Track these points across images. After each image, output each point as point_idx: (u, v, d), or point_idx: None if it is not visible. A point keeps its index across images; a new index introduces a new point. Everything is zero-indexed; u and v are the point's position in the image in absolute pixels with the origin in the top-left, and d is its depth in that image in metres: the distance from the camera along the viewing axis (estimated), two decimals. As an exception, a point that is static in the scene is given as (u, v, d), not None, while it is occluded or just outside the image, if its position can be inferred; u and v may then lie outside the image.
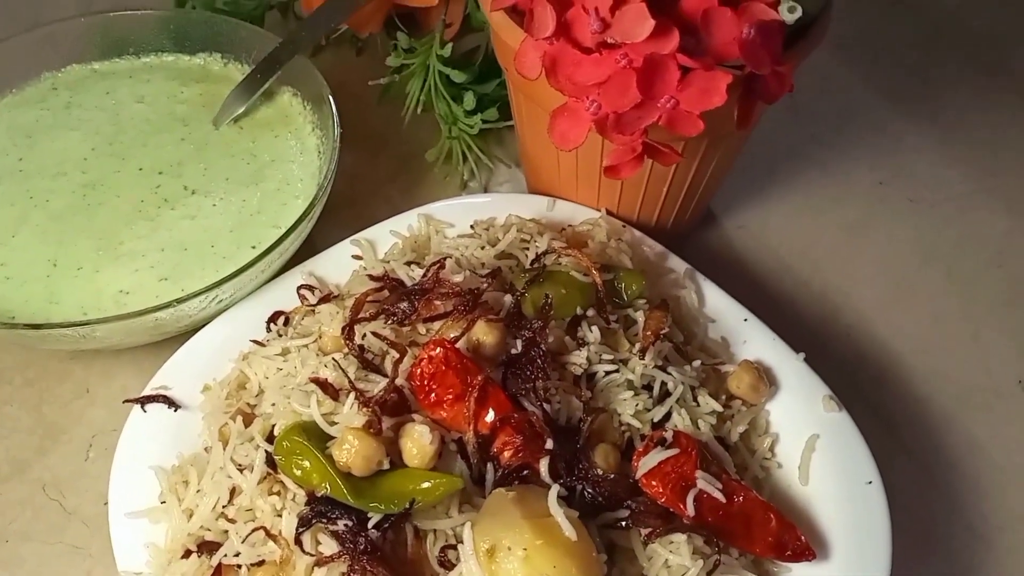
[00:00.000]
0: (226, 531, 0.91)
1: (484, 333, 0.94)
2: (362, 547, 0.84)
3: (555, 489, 0.88)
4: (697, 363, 1.04)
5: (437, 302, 0.98)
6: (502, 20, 1.04)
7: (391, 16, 1.42)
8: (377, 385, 0.93)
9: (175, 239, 1.15)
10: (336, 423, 0.91)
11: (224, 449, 0.95)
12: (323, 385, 0.94)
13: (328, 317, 1.02)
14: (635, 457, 0.95)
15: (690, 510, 0.91)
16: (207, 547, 0.92)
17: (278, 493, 0.91)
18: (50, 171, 1.21)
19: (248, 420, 0.98)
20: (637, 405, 0.98)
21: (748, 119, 0.97)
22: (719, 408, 1.01)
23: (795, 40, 1.00)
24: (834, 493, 0.97)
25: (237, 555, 0.89)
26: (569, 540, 0.84)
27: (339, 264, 1.13)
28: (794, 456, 1.01)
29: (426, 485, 0.87)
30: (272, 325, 1.08)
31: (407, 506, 0.85)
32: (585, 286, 1.03)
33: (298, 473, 0.88)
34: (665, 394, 1.00)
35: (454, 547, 0.87)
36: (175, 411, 1.02)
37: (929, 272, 1.32)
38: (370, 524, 0.86)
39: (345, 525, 0.86)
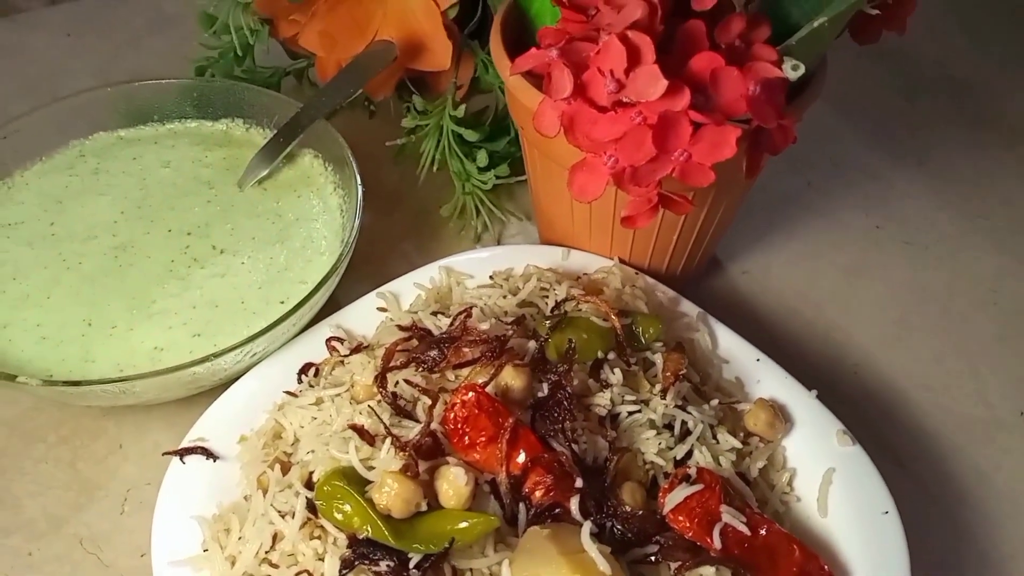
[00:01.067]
0: (269, 576, 0.95)
1: (512, 378, 0.99)
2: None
3: (587, 526, 0.92)
4: (715, 402, 1.08)
5: (465, 349, 1.03)
6: (519, 83, 1.10)
7: (403, 81, 1.49)
8: (412, 430, 0.97)
9: (206, 297, 1.19)
10: (373, 468, 0.95)
11: (264, 497, 0.98)
12: (360, 431, 0.98)
13: (359, 367, 1.06)
14: (661, 494, 0.99)
15: (716, 543, 0.95)
16: (249, 595, 0.95)
17: (319, 537, 0.94)
18: (81, 235, 1.26)
19: (285, 468, 1.01)
20: (660, 444, 1.02)
21: (756, 169, 1.03)
22: (738, 445, 1.05)
23: (795, 94, 1.06)
24: (852, 524, 1.01)
25: (282, 598, 0.92)
26: (604, 575, 0.87)
27: (365, 316, 1.18)
28: (812, 489, 1.05)
29: (463, 525, 0.90)
30: (303, 376, 1.12)
31: (446, 546, 0.88)
32: (605, 331, 1.08)
33: (339, 517, 0.92)
34: (686, 433, 1.04)
35: (488, 586, 0.90)
36: (213, 462, 1.05)
37: (926, 311, 1.37)
38: (411, 564, 0.89)
39: (387, 566, 0.89)
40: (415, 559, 0.89)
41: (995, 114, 1.67)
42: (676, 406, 1.05)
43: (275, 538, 0.95)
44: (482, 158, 1.40)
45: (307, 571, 0.92)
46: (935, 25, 1.85)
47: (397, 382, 1.02)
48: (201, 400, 1.14)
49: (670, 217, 1.17)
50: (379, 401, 1.01)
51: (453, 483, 0.93)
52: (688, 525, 0.96)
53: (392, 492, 0.90)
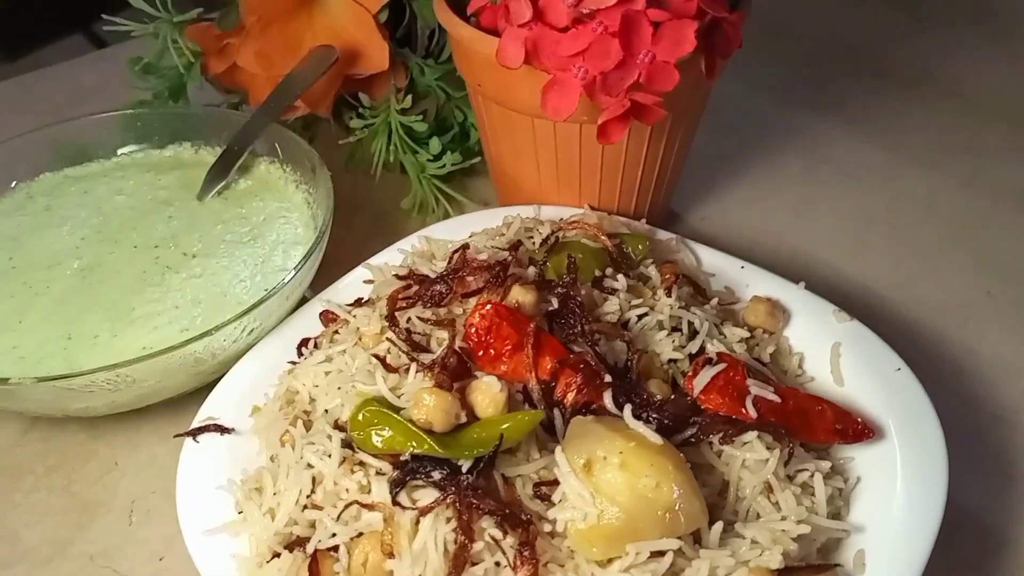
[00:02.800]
0: (314, 521, 0.90)
1: (521, 295, 0.99)
2: (465, 484, 0.85)
3: (628, 407, 0.92)
4: (714, 301, 1.11)
5: (469, 279, 1.03)
6: (472, 34, 1.15)
7: (341, 95, 1.52)
8: (434, 354, 0.96)
9: (187, 297, 1.16)
10: (403, 395, 0.93)
11: (293, 449, 0.95)
12: (382, 362, 0.96)
13: (364, 319, 1.05)
14: (686, 381, 1.00)
15: (752, 412, 0.96)
16: (297, 543, 0.90)
17: (359, 470, 0.91)
18: (44, 263, 1.22)
19: (308, 425, 0.98)
20: (673, 342, 1.04)
21: (713, 69, 1.09)
22: (746, 334, 1.08)
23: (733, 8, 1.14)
24: (870, 385, 1.04)
25: (333, 536, 0.88)
26: (658, 442, 0.87)
27: (354, 290, 1.16)
28: (823, 367, 1.08)
29: (508, 426, 0.89)
30: (303, 349, 1.10)
31: (496, 444, 0.87)
32: (597, 251, 1.10)
33: (378, 443, 0.89)
34: (693, 332, 1.06)
35: (544, 485, 0.88)
36: (226, 436, 1.01)
37: (876, 229, 1.45)
38: (464, 469, 0.87)
39: (440, 474, 0.87)
40: (466, 464, 0.87)
41: (890, 65, 1.80)
42: (680, 307, 1.07)
43: (313, 482, 0.92)
44: (434, 145, 1.43)
45: (356, 502, 0.88)
46: (820, 4, 2.02)
47: (409, 318, 1.01)
48: (196, 404, 1.10)
49: (634, 152, 1.22)
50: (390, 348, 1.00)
51: (487, 392, 0.92)
52: (721, 401, 0.97)
53: (431, 405, 0.89)
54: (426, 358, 0.96)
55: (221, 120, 1.38)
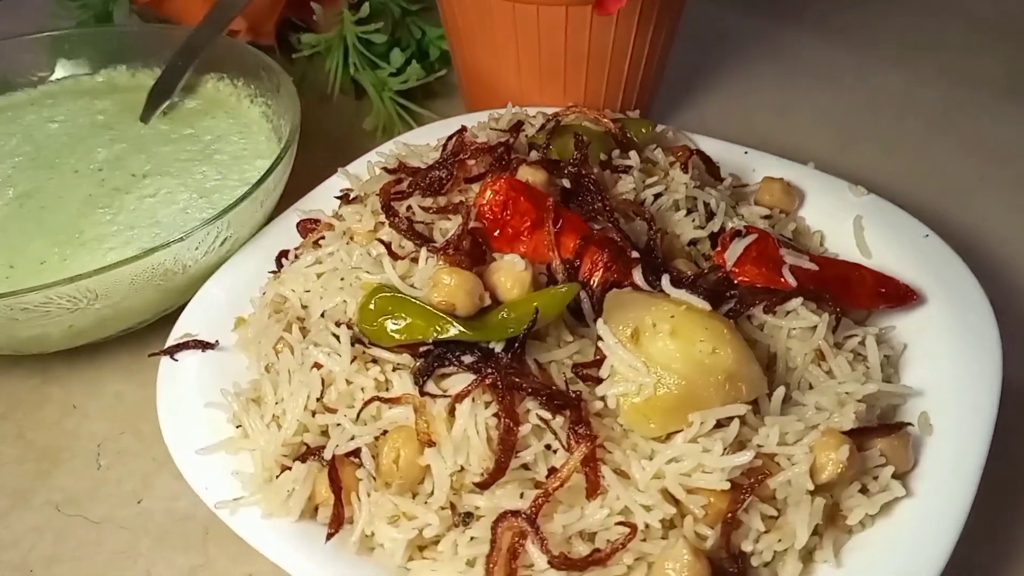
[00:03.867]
0: (327, 427, 0.80)
1: (531, 175, 0.90)
2: (505, 363, 0.75)
3: (666, 277, 0.83)
4: (727, 180, 1.04)
5: (471, 163, 0.93)
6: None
7: (285, 18, 1.41)
8: (445, 235, 0.86)
9: (142, 217, 1.04)
10: (415, 282, 0.83)
11: (292, 355, 0.83)
12: (388, 249, 0.86)
13: (354, 216, 0.94)
14: (715, 256, 0.92)
15: (791, 280, 0.89)
16: (309, 453, 0.79)
17: (373, 366, 0.80)
18: (-29, 195, 1.08)
19: (303, 332, 0.87)
20: (694, 222, 0.96)
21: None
22: (765, 212, 1.01)
23: None
24: (899, 253, 0.98)
25: (352, 439, 0.77)
26: (707, 307, 0.79)
27: (329, 201, 1.05)
28: (846, 242, 1.01)
29: (543, 301, 0.79)
30: (283, 261, 0.98)
31: (531, 320, 0.77)
32: (601, 133, 1.02)
33: (395, 333, 0.79)
34: (710, 214, 0.99)
35: (583, 367, 0.79)
36: (204, 352, 0.90)
37: (860, 123, 1.41)
38: (497, 351, 0.77)
39: (472, 358, 0.77)
40: (499, 347, 0.77)
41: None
42: (695, 186, 0.99)
43: (323, 385, 0.81)
44: (396, 58, 1.32)
45: (376, 398, 0.78)
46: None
47: (410, 207, 0.91)
48: (161, 337, 0.98)
49: (622, 37, 1.14)
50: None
51: (510, 271, 0.82)
52: (757, 272, 0.90)
53: (452, 285, 0.79)
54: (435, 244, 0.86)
55: (159, 38, 1.26)
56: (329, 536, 0.75)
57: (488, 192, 0.86)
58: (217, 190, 1.08)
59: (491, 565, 0.71)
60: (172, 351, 0.89)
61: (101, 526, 0.89)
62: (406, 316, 0.79)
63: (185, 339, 0.90)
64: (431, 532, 0.73)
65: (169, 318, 1.00)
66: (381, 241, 0.86)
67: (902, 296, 0.92)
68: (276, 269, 0.98)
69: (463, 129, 0.97)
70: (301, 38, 1.34)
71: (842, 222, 1.03)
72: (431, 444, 0.73)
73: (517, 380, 0.74)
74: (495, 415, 0.74)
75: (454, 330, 0.77)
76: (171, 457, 0.89)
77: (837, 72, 1.51)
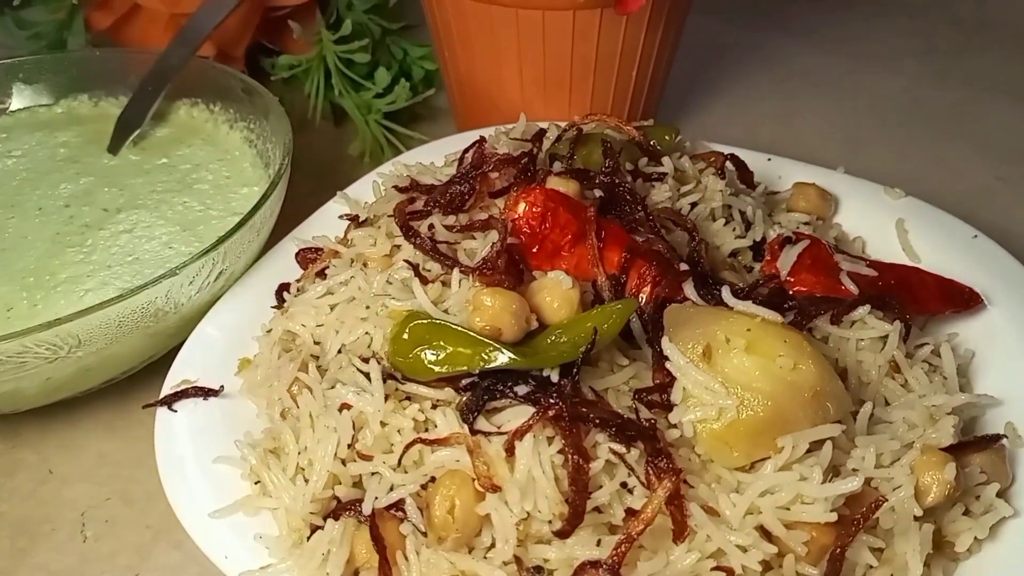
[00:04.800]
0: (360, 477, 0.70)
1: (561, 185, 0.82)
2: (568, 390, 0.66)
3: (726, 288, 0.76)
4: (761, 187, 0.97)
5: (493, 175, 0.85)
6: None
7: (257, 42, 1.32)
8: (477, 254, 0.77)
9: (119, 253, 0.94)
10: (448, 308, 0.74)
11: (313, 395, 0.73)
12: (416, 271, 0.76)
13: (366, 240, 0.85)
14: (765, 266, 0.85)
15: (851, 287, 0.82)
16: (342, 509, 0.69)
17: (409, 405, 0.70)
18: (-77, 240, 0.96)
19: (322, 371, 0.77)
20: (734, 231, 0.89)
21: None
22: (805, 218, 0.94)
23: None
24: (951, 256, 0.91)
25: (392, 489, 0.67)
26: (779, 319, 0.71)
27: (328, 227, 0.95)
28: (891, 246, 0.95)
29: (597, 322, 0.71)
30: (285, 294, 0.88)
31: (589, 342, 0.68)
32: (625, 142, 0.94)
33: (435, 364, 0.69)
34: (747, 223, 0.91)
35: (645, 392, 0.71)
36: (207, 399, 0.79)
37: (866, 127, 1.37)
38: (554, 379, 0.68)
39: (527, 388, 0.68)
40: (553, 375, 0.68)
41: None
42: (731, 194, 0.92)
43: (353, 429, 0.71)
44: (381, 77, 1.24)
45: (420, 439, 0.68)
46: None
47: (432, 225, 0.81)
48: (145, 389, 0.88)
49: (630, 43, 1.07)
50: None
51: (555, 290, 0.74)
52: (814, 280, 0.82)
53: (496, 307, 0.70)
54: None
55: (122, 64, 1.15)
56: (378, 604, 0.64)
57: (522, 204, 0.78)
58: (201, 222, 0.98)
59: (572, 626, 0.62)
60: (170, 401, 0.78)
61: (93, 608, 0.78)
62: (446, 345, 0.69)
63: (184, 386, 0.79)
64: (497, 591, 0.64)
65: (154, 368, 0.89)
66: (408, 263, 0.77)
67: (967, 300, 0.85)
68: (278, 304, 0.88)
69: (482, 140, 0.88)
70: (278, 59, 1.25)
71: (883, 226, 0.96)
72: (494, 489, 0.64)
73: (584, 410, 0.65)
74: (560, 452, 0.65)
75: (503, 357, 0.68)
76: (168, 523, 0.80)
77: (835, 79, 1.47)
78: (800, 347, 0.69)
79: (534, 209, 0.77)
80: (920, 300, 0.84)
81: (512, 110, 1.11)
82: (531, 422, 0.65)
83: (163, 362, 0.85)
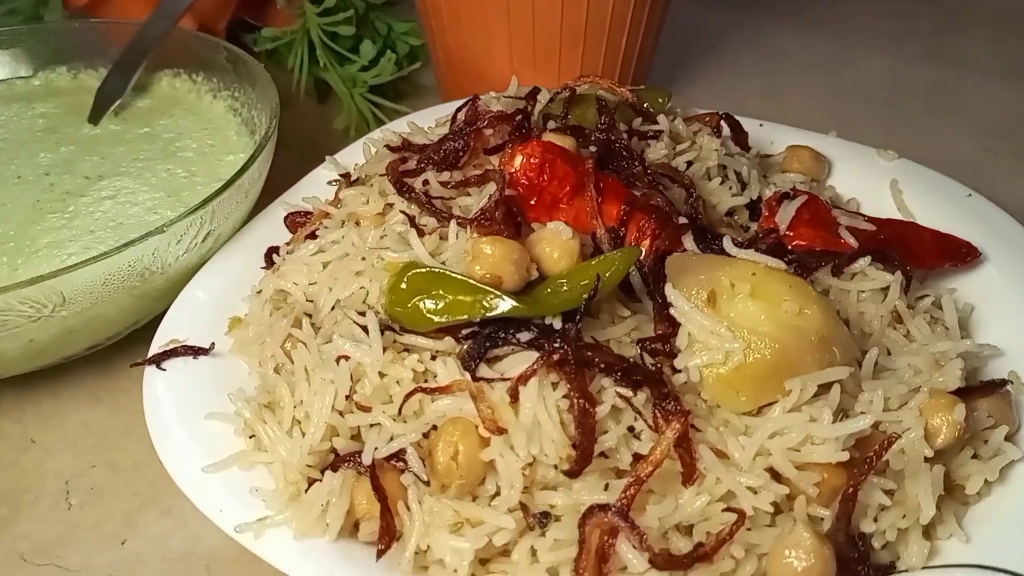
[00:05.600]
0: (359, 429, 0.68)
1: (557, 141, 0.80)
2: (573, 335, 0.65)
3: (728, 238, 0.75)
4: (753, 152, 0.96)
5: (488, 131, 0.83)
6: None
7: (238, 17, 1.30)
8: (475, 204, 0.76)
9: (103, 219, 0.91)
10: (446, 259, 0.73)
11: (308, 350, 0.71)
12: (412, 222, 0.75)
13: (359, 198, 0.83)
14: (763, 222, 0.84)
15: (850, 240, 0.81)
16: (341, 461, 0.67)
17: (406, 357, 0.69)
18: (-102, 209, 0.93)
19: (317, 328, 0.75)
20: (730, 190, 0.88)
21: None
22: (801, 178, 0.93)
23: None
24: (946, 214, 0.91)
25: (390, 440, 0.65)
26: (783, 266, 0.71)
27: (317, 193, 0.93)
28: (885, 207, 0.94)
29: (600, 270, 0.69)
30: (274, 256, 0.86)
31: (591, 290, 0.67)
32: (618, 104, 0.93)
33: (434, 314, 0.68)
34: (742, 184, 0.90)
35: (649, 341, 0.69)
36: (196, 358, 0.77)
37: (853, 103, 1.38)
38: (556, 326, 0.67)
39: (530, 335, 0.66)
40: (556, 323, 0.67)
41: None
42: (726, 154, 0.91)
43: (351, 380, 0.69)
44: (367, 50, 1.22)
45: (420, 389, 0.66)
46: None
47: (426, 181, 0.80)
48: (128, 358, 0.86)
49: (618, 18, 1.06)
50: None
51: (555, 241, 0.72)
52: (813, 234, 0.82)
53: (496, 256, 0.68)
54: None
55: (102, 36, 1.13)
56: (380, 553, 0.62)
57: (519, 157, 0.77)
58: (186, 188, 0.95)
59: (581, 571, 0.60)
60: (158, 360, 0.76)
61: (79, 575, 0.75)
62: (446, 294, 0.68)
63: (173, 345, 0.77)
64: (503, 539, 0.62)
65: (138, 336, 0.87)
66: (405, 213, 0.75)
67: (965, 253, 0.85)
68: (267, 267, 0.86)
69: (475, 98, 0.87)
70: (261, 32, 1.23)
71: (876, 188, 0.96)
72: (500, 432, 0.62)
73: (589, 354, 0.64)
74: (565, 397, 0.63)
75: (505, 304, 0.67)
76: (158, 490, 0.78)
77: (820, 59, 1.47)
78: (805, 292, 0.68)
79: (532, 160, 0.76)
80: (918, 255, 0.84)
81: (501, 82, 1.10)
82: (535, 366, 0.63)
83: (147, 330, 0.83)
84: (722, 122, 0.95)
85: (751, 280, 0.68)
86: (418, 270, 0.69)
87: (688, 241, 0.77)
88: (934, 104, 1.34)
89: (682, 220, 0.78)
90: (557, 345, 0.64)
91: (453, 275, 0.68)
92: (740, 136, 0.96)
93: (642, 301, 0.74)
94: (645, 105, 0.95)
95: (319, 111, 1.29)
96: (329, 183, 0.95)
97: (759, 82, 1.41)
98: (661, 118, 0.89)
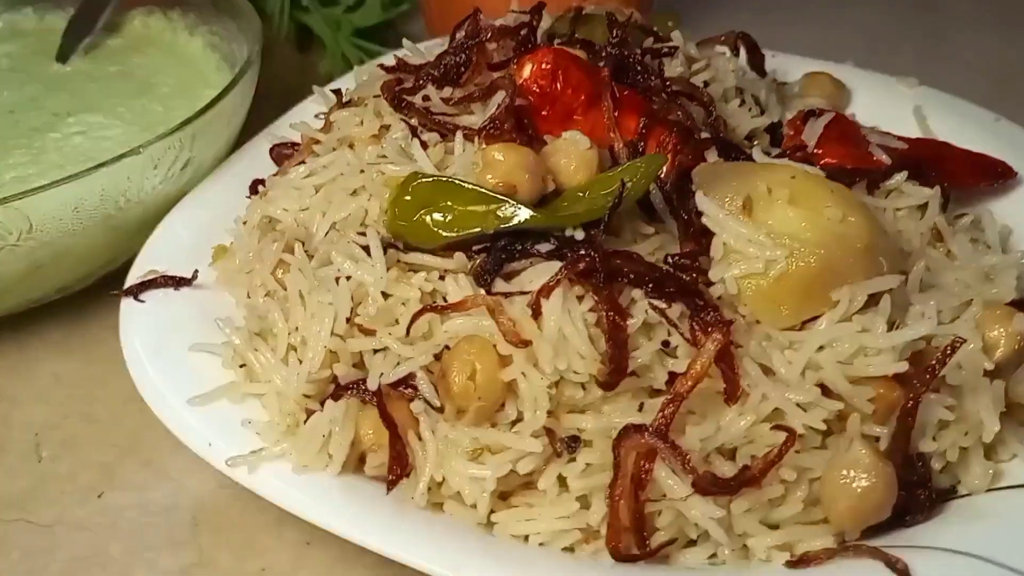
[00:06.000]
0: (361, 355, 0.61)
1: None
2: (601, 239, 0.59)
3: (757, 148, 0.69)
4: (769, 77, 0.91)
5: (490, 46, 0.77)
6: None
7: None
8: (484, 113, 0.69)
9: (72, 155, 0.85)
10: (454, 171, 0.66)
11: (303, 273, 0.65)
12: (414, 132, 0.69)
13: (352, 120, 0.76)
14: (788, 140, 0.79)
15: (882, 156, 0.76)
16: (342, 390, 0.60)
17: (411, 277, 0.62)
18: None
19: (310, 253, 0.68)
20: (750, 110, 0.82)
21: None
22: (823, 102, 0.88)
23: None
24: (975, 138, 0.86)
25: (398, 364, 0.59)
26: (817, 174, 0.65)
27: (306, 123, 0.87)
28: (910, 134, 0.89)
29: (622, 180, 0.63)
30: (260, 187, 0.80)
31: (615, 198, 0.61)
32: (628, 22, 0.87)
33: (442, 228, 0.61)
34: (761, 109, 0.85)
35: (679, 256, 0.63)
36: (177, 289, 0.70)
37: (852, 54, 1.28)
38: (578, 237, 0.61)
39: (550, 247, 0.60)
40: (577, 235, 0.61)
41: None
42: (742, 74, 0.85)
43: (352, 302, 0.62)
44: (351, -10, 1.15)
45: (430, 307, 0.59)
46: None
47: (427, 96, 0.73)
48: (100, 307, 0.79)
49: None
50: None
51: (572, 151, 0.66)
52: (844, 151, 0.76)
53: (509, 163, 0.62)
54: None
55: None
56: (391, 485, 0.56)
57: (529, 66, 0.70)
58: (163, 123, 0.88)
59: (616, 498, 0.54)
60: (136, 291, 0.69)
61: (52, 530, 0.68)
62: (455, 206, 0.62)
63: (152, 275, 0.70)
64: (528, 465, 0.56)
65: (111, 284, 0.80)
66: (406, 122, 0.69)
67: (1001, 172, 0.80)
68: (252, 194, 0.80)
69: (476, 11, 0.80)
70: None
71: (900, 116, 0.90)
72: (524, 344, 0.56)
73: (618, 262, 0.58)
74: (592, 310, 0.57)
75: (523, 214, 0.61)
76: (136, 441, 0.72)
77: (818, 11, 1.42)
78: (848, 198, 0.63)
79: (544, 66, 0.70)
80: (952, 173, 0.78)
81: (495, 15, 1.04)
82: (559, 276, 0.57)
83: (122, 276, 0.75)
84: (739, 42, 0.88)
85: (790, 184, 0.62)
86: (424, 180, 0.63)
87: (712, 156, 0.71)
88: (935, 52, 1.32)
89: (704, 135, 0.72)
90: (583, 252, 0.58)
91: (463, 184, 0.62)
92: (756, 58, 0.90)
93: (664, 222, 0.68)
94: (655, 28, 0.90)
95: (301, 61, 1.23)
96: (318, 116, 0.88)
97: (757, 33, 1.33)
98: (675, 34, 0.83)
